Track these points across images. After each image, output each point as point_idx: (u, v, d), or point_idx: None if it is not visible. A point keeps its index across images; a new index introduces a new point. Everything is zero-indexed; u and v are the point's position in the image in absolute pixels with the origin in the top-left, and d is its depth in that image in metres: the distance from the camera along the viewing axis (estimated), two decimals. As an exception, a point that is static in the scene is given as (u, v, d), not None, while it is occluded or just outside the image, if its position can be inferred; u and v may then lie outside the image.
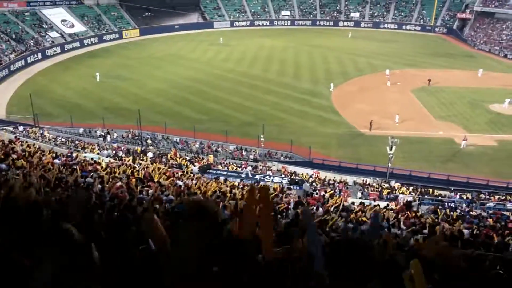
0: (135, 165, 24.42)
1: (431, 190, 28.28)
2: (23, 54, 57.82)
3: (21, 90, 47.65)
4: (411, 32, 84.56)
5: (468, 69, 56.95)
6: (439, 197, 26.81)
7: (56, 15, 70.32)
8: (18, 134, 32.13)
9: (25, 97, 41.72)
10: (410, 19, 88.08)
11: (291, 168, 32.19)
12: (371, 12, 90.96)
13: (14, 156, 19.04)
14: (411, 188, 28.33)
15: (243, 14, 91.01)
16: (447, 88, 48.78)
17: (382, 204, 22.43)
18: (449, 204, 24.78)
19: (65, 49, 64.96)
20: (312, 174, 30.94)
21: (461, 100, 45.38)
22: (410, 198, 24.50)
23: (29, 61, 57.76)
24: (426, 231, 13.68)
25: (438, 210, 20.91)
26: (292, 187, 25.94)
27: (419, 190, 28.00)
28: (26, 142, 27.73)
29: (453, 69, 57.59)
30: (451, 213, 20.46)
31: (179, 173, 24.09)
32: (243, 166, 31.14)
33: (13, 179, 11.91)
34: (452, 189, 28.44)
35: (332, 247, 2.78)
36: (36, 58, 59.25)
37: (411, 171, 30.88)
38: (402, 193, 27.18)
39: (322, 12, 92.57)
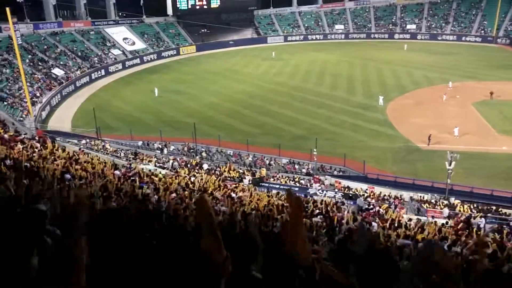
0: (190, 177, 25.05)
1: (494, 208, 26.67)
2: (88, 71, 61.40)
3: (85, 104, 50.54)
4: (471, 43, 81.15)
5: (536, 81, 53.61)
6: (504, 216, 25.23)
7: (118, 33, 74.28)
8: (82, 147, 33.99)
9: (89, 111, 44.22)
10: (470, 30, 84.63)
11: (344, 182, 31.65)
12: (428, 24, 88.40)
13: (78, 167, 20.17)
14: (472, 206, 26.90)
15: (296, 29, 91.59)
16: (511, 101, 46.12)
17: (440, 221, 21.50)
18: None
19: (126, 66, 68.28)
20: (367, 189, 30.24)
21: (527, 113, 42.74)
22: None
23: (93, 77, 61.24)
24: (489, 250, 12.96)
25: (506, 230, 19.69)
26: (345, 201, 25.49)
27: (480, 207, 26.51)
28: (89, 154, 29.31)
29: (518, 81, 54.41)
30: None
31: (233, 186, 24.41)
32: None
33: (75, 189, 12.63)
34: None
35: (360, 258, 2.80)
36: (100, 75, 62.70)
37: (472, 187, 29.31)
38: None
39: (377, 25, 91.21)
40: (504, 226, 22.39)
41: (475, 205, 26.99)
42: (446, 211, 24.75)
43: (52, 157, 22.34)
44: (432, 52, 73.23)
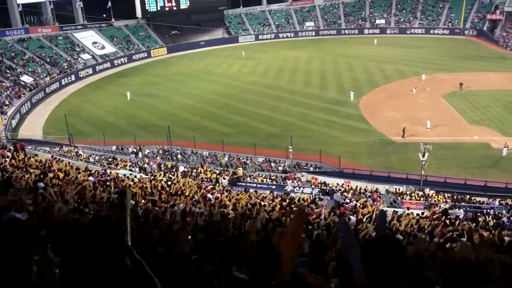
0: (167, 180, 24.78)
1: (468, 196, 27.37)
2: (57, 77, 59.96)
3: (56, 111, 49.38)
4: (439, 36, 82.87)
5: (502, 71, 55.28)
6: (477, 204, 25.91)
7: (87, 37, 72.78)
8: (54, 154, 33.17)
9: (60, 118, 43.19)
10: (438, 23, 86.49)
11: (321, 178, 31.88)
12: (396, 18, 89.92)
13: (51, 175, 19.67)
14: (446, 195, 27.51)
15: (267, 27, 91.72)
16: (480, 92, 47.41)
17: (416, 212, 21.90)
18: (488, 210, 23.92)
19: (97, 70, 66.97)
20: (343, 184, 30.54)
21: (495, 103, 44.00)
22: (446, 206, 23.79)
23: (63, 83, 59.83)
24: (464, 239, 13.26)
25: (482, 217, 20.22)
26: (323, 197, 25.66)
27: (455, 197, 27.14)
28: (62, 161, 28.62)
29: (486, 71, 55.95)
30: (491, 220, 19.75)
31: (209, 187, 24.26)
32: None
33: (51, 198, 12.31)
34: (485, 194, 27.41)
35: (364, 246, 2.81)
36: (70, 80, 61.31)
37: (446, 177, 30.00)
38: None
39: (346, 21, 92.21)
40: (479, 214, 23.02)
41: (449, 195, 27.62)
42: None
43: (24, 166, 21.72)
44: (402, 46, 74.52)
